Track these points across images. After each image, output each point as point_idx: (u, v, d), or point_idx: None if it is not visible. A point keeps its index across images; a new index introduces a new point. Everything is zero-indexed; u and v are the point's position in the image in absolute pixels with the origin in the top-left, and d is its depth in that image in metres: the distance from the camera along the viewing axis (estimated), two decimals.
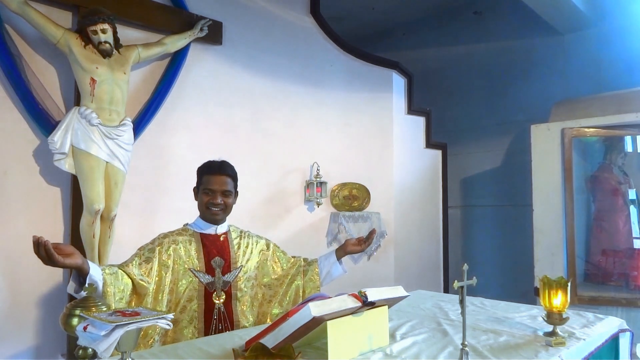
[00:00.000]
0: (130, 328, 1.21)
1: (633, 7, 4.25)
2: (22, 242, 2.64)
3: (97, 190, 2.65)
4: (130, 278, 1.92)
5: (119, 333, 1.19)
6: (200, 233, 2.16)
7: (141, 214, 3.07)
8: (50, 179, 2.76)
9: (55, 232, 2.78)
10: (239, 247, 2.21)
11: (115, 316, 1.25)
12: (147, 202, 3.11)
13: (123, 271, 1.91)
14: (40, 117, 2.63)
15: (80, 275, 1.73)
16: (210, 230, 2.18)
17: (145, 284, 1.95)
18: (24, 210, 2.68)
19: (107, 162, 2.71)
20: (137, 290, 1.94)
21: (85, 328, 1.25)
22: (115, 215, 2.79)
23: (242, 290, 2.16)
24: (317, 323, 1.41)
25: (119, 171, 2.76)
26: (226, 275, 2.12)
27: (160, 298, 1.98)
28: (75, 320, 1.42)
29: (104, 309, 1.42)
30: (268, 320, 2.21)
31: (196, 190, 2.20)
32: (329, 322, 1.40)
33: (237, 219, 3.02)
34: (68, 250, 1.67)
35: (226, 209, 2.18)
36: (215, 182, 2.14)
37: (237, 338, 1.71)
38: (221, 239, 2.18)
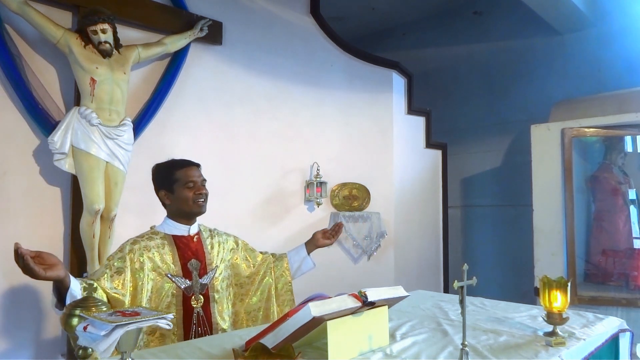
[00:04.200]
0: (130, 328, 1.21)
1: (633, 7, 4.25)
2: (22, 242, 2.59)
3: (97, 190, 2.65)
4: (105, 292, 1.83)
5: (119, 333, 1.19)
6: (173, 235, 2.06)
7: (141, 214, 3.06)
8: (50, 179, 2.76)
9: (55, 232, 2.78)
10: (212, 247, 2.14)
11: (115, 316, 1.25)
12: (147, 202, 3.09)
13: (98, 285, 1.82)
14: (40, 117, 2.63)
15: (60, 287, 1.65)
16: (183, 231, 2.09)
17: (119, 297, 1.85)
18: (24, 210, 2.68)
19: (107, 162, 2.71)
20: (112, 304, 1.82)
21: (85, 328, 1.25)
22: (115, 215, 2.79)
23: (219, 292, 2.10)
24: (317, 323, 1.41)
25: (119, 171, 2.76)
26: (203, 278, 2.05)
27: None
28: (75, 320, 1.42)
29: (104, 309, 1.42)
30: (242, 317, 2.19)
31: (165, 193, 2.07)
32: (329, 322, 1.40)
33: (238, 219, 3.03)
34: (51, 261, 1.57)
35: (206, 199, 2.11)
36: (194, 174, 2.06)
37: (237, 338, 1.71)
38: (194, 239, 2.10)
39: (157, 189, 2.11)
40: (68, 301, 1.63)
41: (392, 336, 1.70)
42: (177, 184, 2.05)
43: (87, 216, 2.66)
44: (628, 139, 4.01)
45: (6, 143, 2.63)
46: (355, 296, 1.50)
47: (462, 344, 1.42)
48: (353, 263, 4.12)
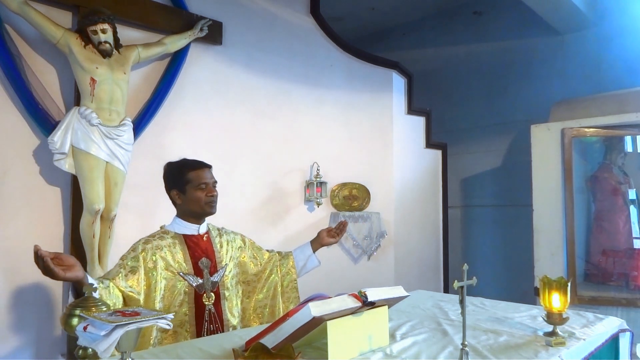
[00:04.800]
0: (130, 328, 1.21)
1: (633, 7, 4.25)
2: (22, 242, 2.64)
3: (97, 190, 2.65)
4: (120, 291, 1.87)
5: (119, 333, 1.19)
6: (183, 235, 2.11)
7: (141, 214, 3.07)
8: (50, 179, 2.76)
9: (55, 232, 2.78)
10: (221, 246, 2.19)
11: (115, 316, 1.25)
12: (147, 202, 3.11)
13: (113, 284, 1.86)
14: (40, 117, 2.63)
15: (77, 288, 1.67)
16: (193, 230, 2.13)
17: (135, 295, 1.90)
18: (24, 210, 2.68)
19: (107, 162, 2.71)
20: (127, 303, 1.89)
21: (85, 328, 1.25)
22: (115, 215, 2.79)
23: (228, 289, 2.14)
24: (317, 323, 1.41)
25: (119, 171, 2.76)
26: (214, 276, 2.10)
27: (152, 306, 1.94)
28: (75, 320, 1.42)
29: (104, 309, 1.42)
30: (249, 314, 2.23)
31: (177, 193, 2.11)
32: (329, 322, 1.40)
33: (238, 218, 3.03)
34: (69, 262, 1.61)
35: (216, 201, 2.15)
36: (206, 176, 2.11)
37: (237, 338, 1.71)
38: (204, 238, 2.15)
39: (169, 189, 2.14)
40: None
41: (392, 336, 1.70)
42: (189, 184, 2.08)
43: (87, 216, 2.66)
44: (628, 139, 4.00)
45: (6, 143, 2.63)
46: (355, 296, 1.50)
47: (462, 344, 1.42)
48: (353, 263, 4.12)
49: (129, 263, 1.95)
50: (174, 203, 2.15)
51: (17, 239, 2.63)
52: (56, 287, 2.75)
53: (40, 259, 1.53)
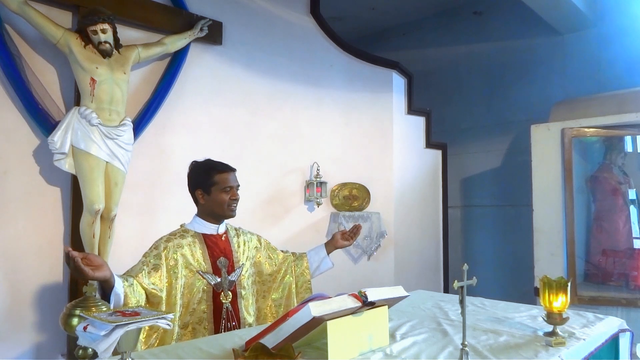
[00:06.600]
0: (130, 328, 1.21)
1: (633, 7, 4.25)
2: (22, 242, 2.64)
3: (97, 190, 2.65)
4: (143, 288, 1.92)
5: (119, 333, 1.19)
6: (203, 234, 2.16)
7: (141, 214, 3.07)
8: (50, 179, 2.77)
9: (55, 232, 2.78)
10: (238, 246, 2.24)
11: (115, 316, 1.25)
12: (147, 202, 3.11)
13: (137, 282, 1.90)
14: (40, 117, 2.63)
15: (104, 287, 1.72)
16: (212, 230, 2.19)
17: (157, 293, 1.94)
18: (24, 210, 2.68)
19: (107, 162, 2.71)
20: (149, 300, 1.93)
21: (85, 328, 1.25)
22: (115, 215, 2.79)
23: (245, 288, 2.19)
24: (317, 323, 1.41)
25: (119, 171, 2.76)
26: (231, 275, 2.15)
27: (172, 303, 1.98)
28: (75, 320, 1.42)
29: (104, 309, 1.42)
30: (265, 312, 2.27)
31: (201, 193, 2.15)
32: (329, 322, 1.40)
33: (238, 218, 3.02)
34: (98, 262, 1.66)
35: (237, 204, 2.21)
36: (231, 179, 2.17)
37: (237, 338, 1.71)
38: (223, 238, 2.20)
39: (193, 188, 2.19)
40: (112, 299, 1.72)
41: (392, 336, 1.70)
42: (215, 186, 2.14)
43: (87, 216, 2.66)
44: (628, 139, 4.00)
45: (6, 143, 2.63)
46: (355, 296, 1.50)
47: (462, 344, 1.42)
48: (353, 263, 4.12)
49: (152, 260, 2.00)
50: (195, 202, 2.20)
51: (17, 239, 2.63)
52: (56, 287, 2.75)
53: (71, 260, 1.58)
